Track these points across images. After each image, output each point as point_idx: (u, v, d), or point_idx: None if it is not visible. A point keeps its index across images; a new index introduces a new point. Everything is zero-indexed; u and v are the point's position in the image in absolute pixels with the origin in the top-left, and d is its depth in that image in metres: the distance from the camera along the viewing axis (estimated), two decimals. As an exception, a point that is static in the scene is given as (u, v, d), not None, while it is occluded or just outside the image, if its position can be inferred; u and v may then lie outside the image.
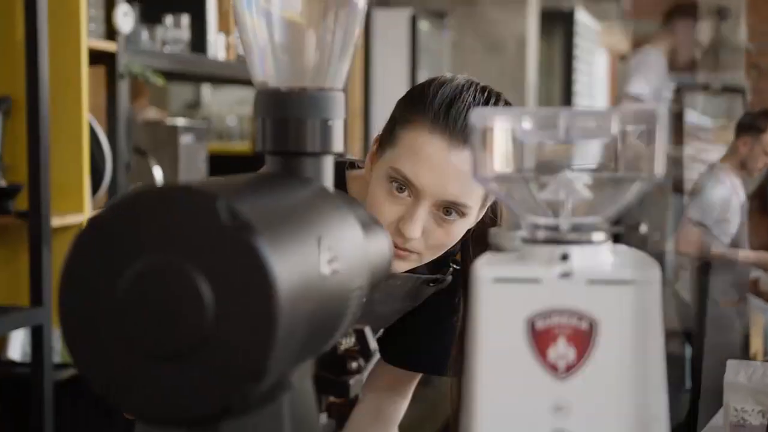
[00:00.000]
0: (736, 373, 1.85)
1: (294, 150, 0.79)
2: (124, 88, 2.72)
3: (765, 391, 1.80)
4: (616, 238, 0.74)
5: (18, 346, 2.65)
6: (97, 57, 2.66)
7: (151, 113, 3.89)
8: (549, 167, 0.72)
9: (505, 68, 5.63)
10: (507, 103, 1.33)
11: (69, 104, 2.50)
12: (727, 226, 4.19)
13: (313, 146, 0.79)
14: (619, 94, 4.39)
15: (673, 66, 4.46)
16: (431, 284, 1.43)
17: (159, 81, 2.79)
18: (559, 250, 0.68)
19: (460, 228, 1.29)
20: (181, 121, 3.22)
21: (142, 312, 0.61)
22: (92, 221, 0.62)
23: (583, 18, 7.62)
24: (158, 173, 2.98)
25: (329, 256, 0.69)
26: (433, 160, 1.24)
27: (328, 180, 0.81)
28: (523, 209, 0.71)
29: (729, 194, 4.13)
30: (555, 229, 0.70)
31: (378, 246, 0.84)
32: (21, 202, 2.42)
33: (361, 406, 1.47)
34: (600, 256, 0.69)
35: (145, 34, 2.97)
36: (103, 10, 2.67)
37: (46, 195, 2.33)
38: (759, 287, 4.53)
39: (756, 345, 7.00)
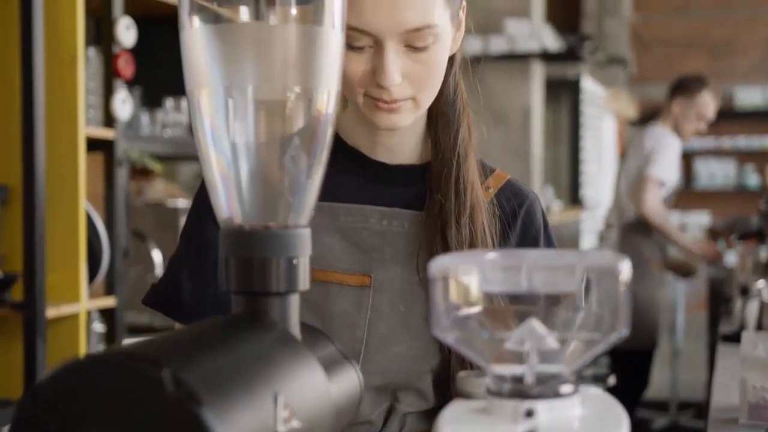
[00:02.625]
0: (753, 345, 1.66)
1: (259, 290, 0.77)
2: (122, 174, 2.72)
3: None
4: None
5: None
6: (95, 144, 2.67)
7: (159, 188, 3.89)
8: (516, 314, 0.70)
9: (510, 139, 5.64)
10: None
11: (66, 193, 2.50)
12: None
13: (278, 286, 0.77)
14: (635, 173, 4.33)
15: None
16: None
17: (156, 167, 2.79)
18: (524, 405, 0.66)
19: (439, 54, 1.17)
20: (182, 203, 3.22)
21: (85, 485, 0.58)
22: (33, 390, 0.60)
23: (588, 85, 7.65)
24: (158, 257, 2.97)
25: (287, 412, 0.67)
26: None
27: (294, 318, 0.79)
28: (487, 359, 0.69)
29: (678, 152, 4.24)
30: (520, 380, 0.68)
31: (344, 385, 0.81)
32: (16, 293, 2.41)
33: None
34: (568, 410, 0.66)
35: (145, 118, 2.98)
36: (101, 97, 2.69)
37: (41, 287, 2.32)
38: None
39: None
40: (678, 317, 5.91)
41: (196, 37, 0.77)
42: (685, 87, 4.29)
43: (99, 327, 2.89)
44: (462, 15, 1.24)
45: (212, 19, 0.77)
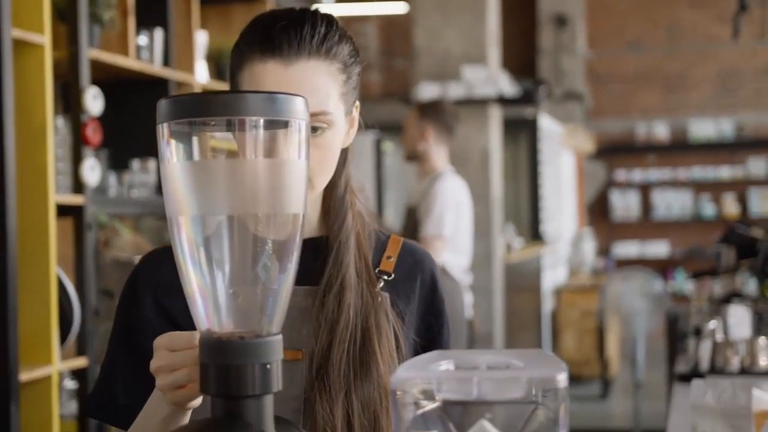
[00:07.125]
0: (703, 393, 1.73)
1: (236, 394, 0.86)
2: (91, 237, 2.79)
3: (737, 412, 1.68)
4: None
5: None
6: (65, 209, 2.74)
7: (126, 239, 3.92)
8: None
9: (470, 181, 5.73)
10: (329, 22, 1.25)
11: (37, 258, 2.56)
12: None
13: (254, 389, 0.86)
14: None
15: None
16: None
17: (125, 230, 2.87)
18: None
19: (332, 140, 1.23)
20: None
21: None
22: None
23: (546, 123, 7.80)
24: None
25: None
26: (270, 82, 1.17)
27: (268, 417, 0.87)
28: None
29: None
30: (471, 476, 0.77)
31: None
32: (-11, 358, 2.46)
33: None
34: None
35: (113, 180, 3.06)
36: (70, 164, 2.76)
37: (14, 353, 2.38)
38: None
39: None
40: (638, 349, 6.03)
41: (174, 171, 0.86)
42: None
43: (71, 384, 2.95)
44: (356, 113, 1.32)
45: (188, 155, 0.86)
